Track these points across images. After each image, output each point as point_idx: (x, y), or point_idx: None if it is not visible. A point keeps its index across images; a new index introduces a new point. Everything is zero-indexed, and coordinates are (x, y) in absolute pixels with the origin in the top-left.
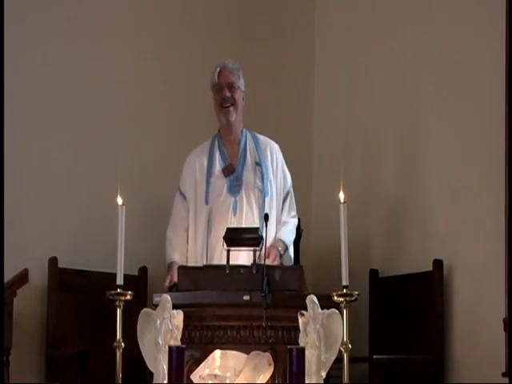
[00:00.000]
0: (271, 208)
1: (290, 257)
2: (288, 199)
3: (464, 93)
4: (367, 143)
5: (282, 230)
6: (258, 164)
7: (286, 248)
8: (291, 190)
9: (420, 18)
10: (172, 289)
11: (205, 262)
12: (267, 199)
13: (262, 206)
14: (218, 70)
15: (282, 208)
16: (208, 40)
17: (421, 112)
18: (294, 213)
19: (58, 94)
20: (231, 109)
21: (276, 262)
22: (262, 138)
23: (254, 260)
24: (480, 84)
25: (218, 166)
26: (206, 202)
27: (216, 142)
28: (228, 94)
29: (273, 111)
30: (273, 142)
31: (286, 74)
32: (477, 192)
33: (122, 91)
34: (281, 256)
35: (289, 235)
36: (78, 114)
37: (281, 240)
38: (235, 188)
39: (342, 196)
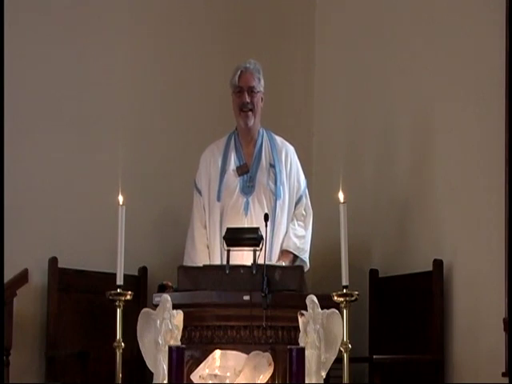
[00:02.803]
0: (283, 211)
1: (305, 262)
2: (301, 203)
3: (466, 93)
4: (366, 144)
5: (289, 236)
6: (272, 166)
7: (295, 256)
8: (305, 193)
9: (421, 17)
10: (163, 289)
11: (219, 261)
12: (279, 202)
13: (273, 209)
14: (239, 72)
15: (294, 212)
16: (208, 40)
17: (421, 111)
18: (308, 219)
19: (58, 93)
20: (250, 114)
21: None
22: (278, 139)
23: (254, 260)
24: (482, 85)
25: (232, 164)
26: (218, 199)
27: (232, 140)
28: (248, 100)
29: (273, 111)
30: (288, 145)
31: (286, 74)
32: (477, 192)
33: (123, 91)
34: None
35: (295, 240)
36: (78, 113)
37: (286, 251)
38: (248, 188)
39: (341, 196)
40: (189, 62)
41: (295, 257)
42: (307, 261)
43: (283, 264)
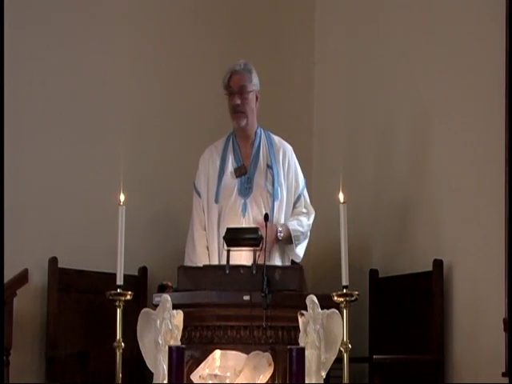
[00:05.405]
0: (280, 212)
1: (297, 254)
2: (299, 202)
3: (466, 93)
4: (366, 144)
5: (291, 221)
6: (269, 167)
7: (289, 234)
8: (303, 192)
9: (421, 16)
10: (163, 289)
11: (217, 262)
12: (276, 203)
13: (271, 210)
14: (229, 75)
15: (293, 211)
16: (208, 40)
17: (421, 111)
18: (309, 215)
19: (58, 92)
20: (241, 115)
21: (270, 241)
22: (276, 139)
23: (254, 260)
24: (482, 85)
25: (230, 165)
26: (216, 201)
27: (230, 141)
28: (238, 102)
29: (272, 111)
30: (286, 144)
31: (286, 74)
32: (477, 192)
33: (123, 92)
34: (278, 240)
35: (295, 224)
36: (79, 113)
37: (285, 225)
38: (246, 190)
39: (341, 196)
40: (188, 62)
41: (290, 239)
42: (300, 254)
43: (279, 228)
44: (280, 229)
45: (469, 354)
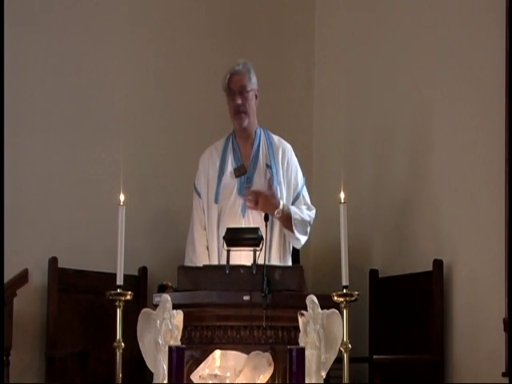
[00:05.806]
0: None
1: (297, 237)
2: (298, 201)
3: (466, 93)
4: (365, 144)
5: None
6: (268, 166)
7: (289, 216)
8: (302, 191)
9: (421, 16)
10: (163, 289)
11: (217, 262)
12: None
13: None
14: (229, 75)
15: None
16: (208, 41)
17: (421, 111)
18: (310, 210)
19: (58, 92)
20: (243, 115)
21: (270, 207)
22: (276, 138)
23: (254, 260)
24: (482, 85)
25: (230, 165)
26: (216, 201)
27: (230, 141)
28: (239, 102)
29: (272, 111)
30: (285, 143)
31: (286, 74)
32: (477, 192)
33: (123, 92)
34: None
35: (295, 208)
36: (79, 113)
37: (286, 205)
38: (245, 190)
39: (342, 196)
40: (189, 62)
41: (289, 219)
42: (300, 239)
43: (280, 205)
44: (283, 202)
45: (469, 354)
